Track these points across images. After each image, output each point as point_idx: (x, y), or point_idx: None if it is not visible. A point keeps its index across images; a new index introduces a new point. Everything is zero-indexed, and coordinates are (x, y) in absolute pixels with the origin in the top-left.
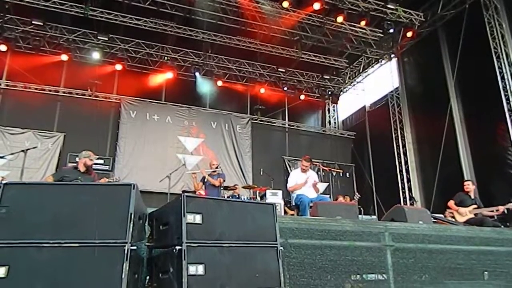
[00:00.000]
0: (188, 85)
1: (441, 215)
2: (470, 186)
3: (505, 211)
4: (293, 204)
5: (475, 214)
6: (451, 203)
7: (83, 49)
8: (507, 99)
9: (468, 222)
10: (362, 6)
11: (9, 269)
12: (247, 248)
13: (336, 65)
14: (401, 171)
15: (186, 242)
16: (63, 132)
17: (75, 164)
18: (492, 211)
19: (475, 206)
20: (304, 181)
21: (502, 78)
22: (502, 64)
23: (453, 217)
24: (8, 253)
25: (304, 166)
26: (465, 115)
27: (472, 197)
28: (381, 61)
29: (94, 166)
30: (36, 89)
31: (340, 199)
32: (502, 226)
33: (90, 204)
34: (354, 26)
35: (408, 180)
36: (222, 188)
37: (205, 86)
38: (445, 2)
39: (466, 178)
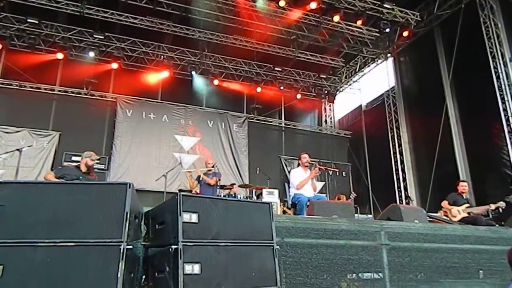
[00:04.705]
0: (185, 84)
1: (437, 214)
2: (466, 188)
3: (499, 210)
4: (290, 202)
5: (468, 213)
6: (444, 203)
7: (79, 48)
8: (502, 98)
9: (461, 221)
10: (359, 5)
11: (4, 268)
12: (243, 247)
13: (333, 64)
14: (397, 170)
15: (182, 241)
16: (58, 131)
17: (77, 164)
18: (485, 210)
19: (467, 204)
20: (309, 176)
21: (497, 78)
22: (497, 64)
23: (447, 217)
24: (3, 252)
25: (306, 161)
26: (460, 114)
27: (465, 197)
28: (377, 61)
29: None
30: (31, 87)
31: (343, 198)
32: (497, 225)
33: (86, 203)
34: (350, 26)
35: (404, 179)
36: (218, 187)
37: (201, 85)
38: (441, 2)
39: (462, 178)
